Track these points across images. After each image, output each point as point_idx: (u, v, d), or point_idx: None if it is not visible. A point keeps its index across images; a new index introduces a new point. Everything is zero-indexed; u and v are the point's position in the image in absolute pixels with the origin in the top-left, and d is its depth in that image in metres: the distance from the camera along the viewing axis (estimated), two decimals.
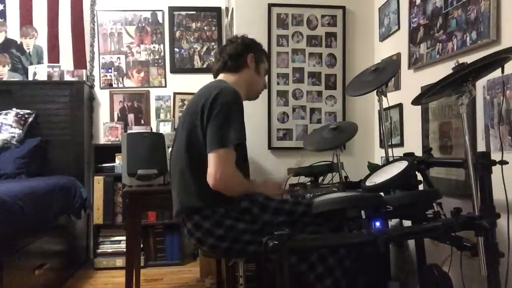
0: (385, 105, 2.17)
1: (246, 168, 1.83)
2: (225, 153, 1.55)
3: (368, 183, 1.69)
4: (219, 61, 1.84)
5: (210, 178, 1.55)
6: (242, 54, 1.81)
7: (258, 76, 1.87)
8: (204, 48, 3.73)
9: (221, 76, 1.82)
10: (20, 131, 3.20)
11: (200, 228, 1.61)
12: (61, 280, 2.88)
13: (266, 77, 2.11)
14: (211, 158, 1.56)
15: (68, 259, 3.03)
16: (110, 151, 3.41)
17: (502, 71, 1.43)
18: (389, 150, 2.17)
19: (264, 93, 2.73)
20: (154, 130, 3.58)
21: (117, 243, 3.36)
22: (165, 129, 3.55)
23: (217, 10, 3.72)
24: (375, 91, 2.11)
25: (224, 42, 3.20)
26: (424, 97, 1.52)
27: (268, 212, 1.61)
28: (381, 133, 2.42)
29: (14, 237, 2.12)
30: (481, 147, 1.75)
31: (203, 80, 1.78)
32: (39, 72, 3.52)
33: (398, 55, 2.50)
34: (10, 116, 3.22)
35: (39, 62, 3.60)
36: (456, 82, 1.38)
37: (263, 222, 1.59)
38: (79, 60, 3.65)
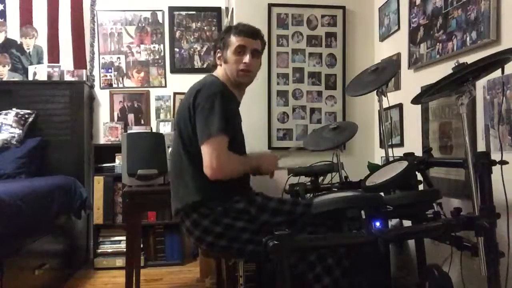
0: (385, 105, 2.17)
1: None
2: (214, 141, 1.57)
3: (368, 183, 1.69)
4: None
5: (207, 170, 1.57)
6: (214, 58, 1.89)
7: (226, 63, 1.81)
8: (204, 48, 3.73)
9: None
10: (20, 131, 3.20)
11: (199, 226, 1.62)
12: (61, 280, 2.88)
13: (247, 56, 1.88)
14: (203, 150, 1.59)
15: (68, 259, 3.03)
16: (110, 151, 3.42)
17: (502, 72, 1.43)
18: (389, 150, 2.17)
19: (264, 93, 2.75)
20: (154, 130, 3.58)
21: (117, 243, 3.36)
22: (165, 129, 3.55)
23: (217, 10, 3.72)
24: (375, 91, 2.11)
25: None
26: (424, 96, 1.52)
27: (267, 212, 1.62)
28: (381, 133, 2.41)
29: (14, 237, 2.12)
30: (481, 147, 1.75)
31: None
32: (39, 72, 3.52)
33: (398, 55, 2.50)
34: (10, 116, 3.21)
35: (39, 62, 3.60)
36: (456, 82, 1.38)
37: (262, 221, 1.60)
38: (79, 60, 3.65)
